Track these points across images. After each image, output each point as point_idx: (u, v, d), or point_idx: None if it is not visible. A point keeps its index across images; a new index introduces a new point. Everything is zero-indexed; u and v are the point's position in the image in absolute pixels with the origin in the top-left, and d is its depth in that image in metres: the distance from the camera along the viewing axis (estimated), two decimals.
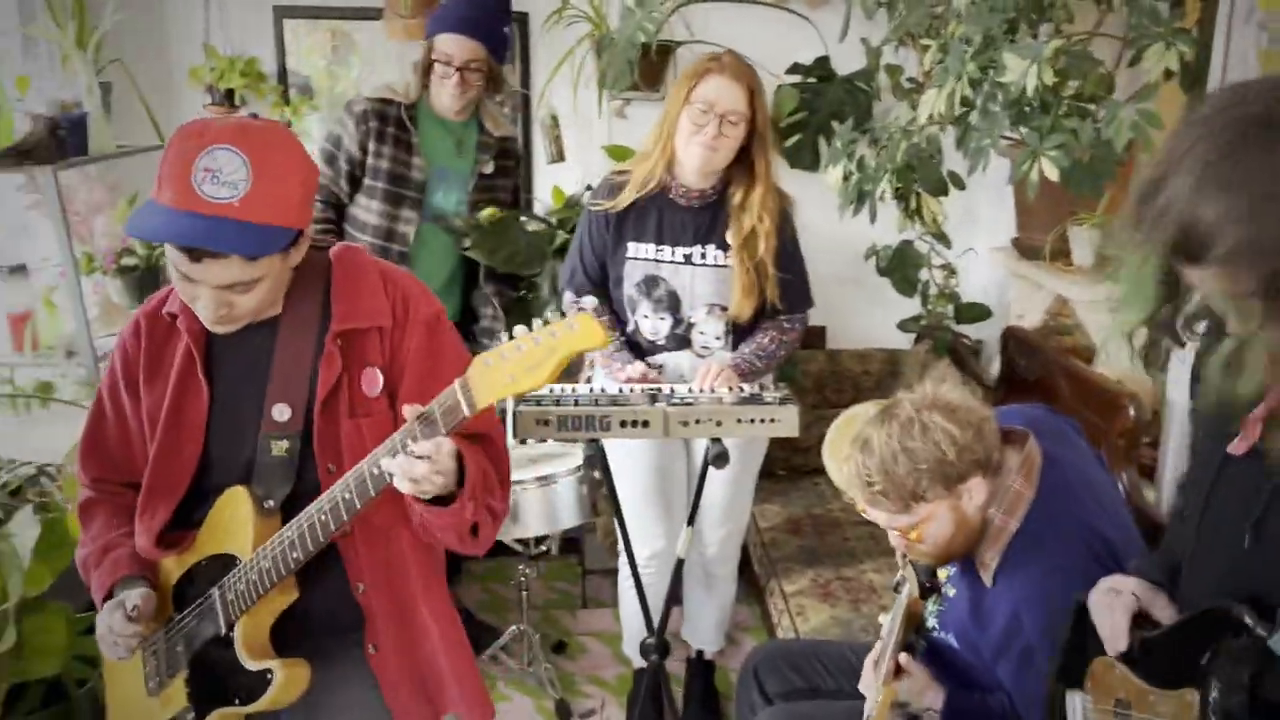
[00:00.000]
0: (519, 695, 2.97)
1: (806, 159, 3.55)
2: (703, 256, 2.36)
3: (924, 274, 3.40)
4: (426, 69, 2.73)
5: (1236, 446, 1.26)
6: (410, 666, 1.63)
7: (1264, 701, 1.17)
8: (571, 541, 3.46)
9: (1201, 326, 1.27)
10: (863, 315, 3.80)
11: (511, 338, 1.40)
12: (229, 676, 1.57)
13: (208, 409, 1.59)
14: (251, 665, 1.55)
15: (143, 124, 3.18)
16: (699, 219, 2.36)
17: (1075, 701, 1.43)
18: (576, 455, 3.01)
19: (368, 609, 1.60)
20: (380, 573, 1.61)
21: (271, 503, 1.56)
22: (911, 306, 3.52)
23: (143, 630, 1.59)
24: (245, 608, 1.55)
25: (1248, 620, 1.17)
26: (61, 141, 2.57)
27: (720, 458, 2.09)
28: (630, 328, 2.43)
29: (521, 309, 3.08)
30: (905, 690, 1.78)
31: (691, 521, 2.27)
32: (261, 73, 3.53)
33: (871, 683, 1.84)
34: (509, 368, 1.36)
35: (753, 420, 2.11)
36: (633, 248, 2.39)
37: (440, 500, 1.47)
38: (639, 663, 2.58)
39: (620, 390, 2.27)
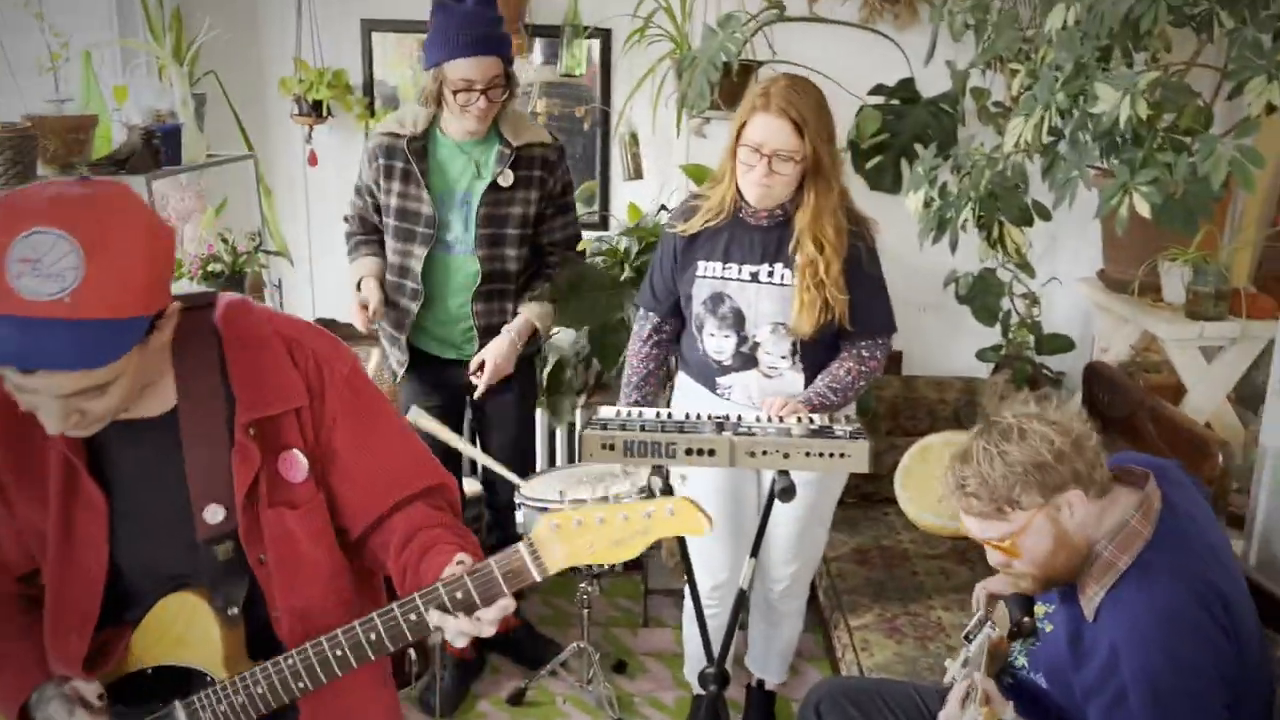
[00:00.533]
0: (577, 713, 2.97)
1: (887, 181, 3.50)
2: (770, 275, 2.33)
3: (1005, 303, 3.32)
4: (437, 98, 2.61)
5: None
6: None
7: None
8: (634, 559, 3.44)
9: None
10: (940, 342, 3.72)
11: (603, 496, 1.29)
12: None
13: (108, 521, 1.37)
14: None
15: (232, 134, 3.27)
16: (767, 238, 2.33)
17: None
18: (641, 474, 3.01)
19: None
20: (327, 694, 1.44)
21: (235, 610, 1.41)
22: (991, 335, 3.44)
23: None
24: None
25: None
26: (156, 151, 2.65)
27: (786, 491, 2.06)
28: (699, 350, 2.41)
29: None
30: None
31: (755, 553, 2.24)
32: (349, 84, 3.60)
33: (957, 714, 1.79)
34: (590, 537, 1.26)
35: (822, 454, 2.08)
36: (702, 266, 2.38)
37: None
38: (699, 690, 2.56)
39: (687, 416, 2.25)
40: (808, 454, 2.08)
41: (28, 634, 1.44)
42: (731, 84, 3.28)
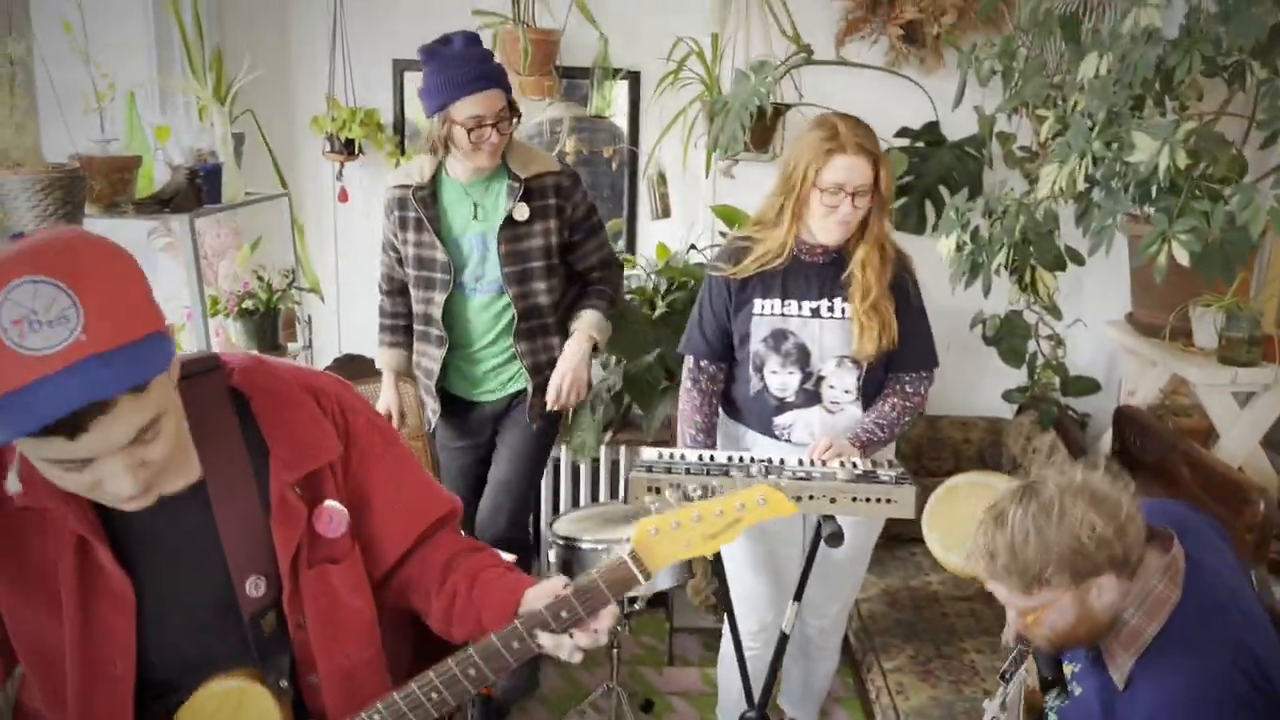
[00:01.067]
0: None
1: (912, 223, 3.53)
2: (830, 310, 2.35)
3: (1030, 344, 3.34)
4: (445, 143, 2.59)
5: None
6: None
7: None
8: (659, 595, 3.45)
9: None
10: (965, 382, 3.74)
11: (686, 497, 1.36)
12: None
13: (135, 612, 1.27)
14: None
15: (266, 171, 3.30)
16: (824, 274, 2.36)
17: None
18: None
19: None
20: None
21: (285, 682, 1.36)
22: (1016, 376, 3.46)
23: None
24: None
25: None
26: (199, 190, 2.67)
27: (835, 536, 2.06)
28: (756, 388, 2.42)
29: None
30: None
31: (799, 597, 2.25)
32: (380, 123, 3.63)
33: None
34: (685, 535, 1.32)
35: (868, 499, 2.09)
36: (759, 304, 2.39)
37: None
38: None
39: (730, 459, 2.26)
40: (854, 499, 2.09)
41: None
42: (760, 126, 3.33)
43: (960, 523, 3.22)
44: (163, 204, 2.61)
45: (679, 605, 3.44)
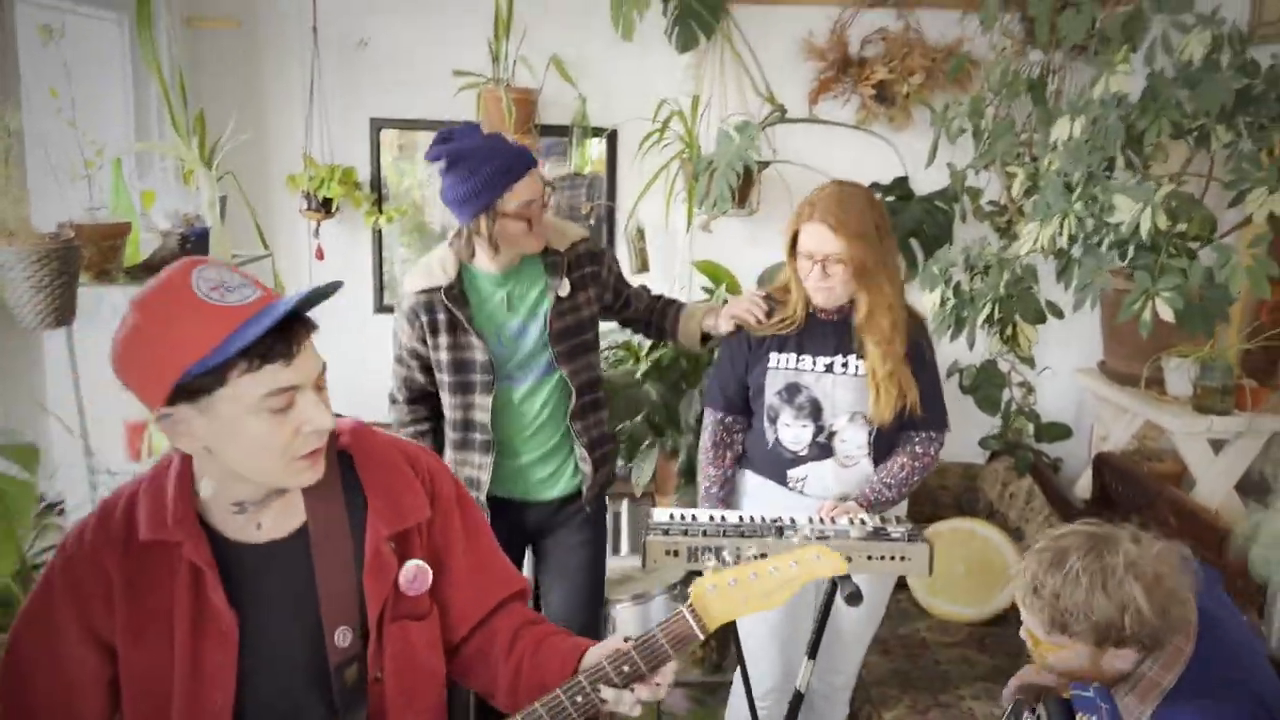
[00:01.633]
0: None
1: None
2: (844, 366, 2.39)
3: (1005, 392, 3.43)
4: (490, 240, 2.36)
5: None
6: None
7: None
8: None
9: None
10: None
11: (737, 559, 1.44)
12: None
13: (237, 648, 1.34)
14: None
15: (248, 232, 3.27)
16: (839, 330, 2.40)
17: None
18: (670, 571, 3.01)
19: None
20: None
21: None
22: (988, 422, 3.55)
23: None
24: None
25: None
26: (188, 255, 2.63)
27: (854, 596, 2.09)
28: (771, 440, 2.45)
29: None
30: None
31: (814, 655, 2.27)
32: (357, 181, 3.63)
33: None
34: (742, 593, 1.39)
35: (883, 557, 2.13)
36: (774, 358, 2.43)
37: None
38: None
39: (741, 519, 2.29)
40: (869, 557, 2.13)
41: None
42: (741, 183, 3.39)
43: (944, 568, 3.29)
44: (153, 270, 2.56)
45: None
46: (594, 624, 2.66)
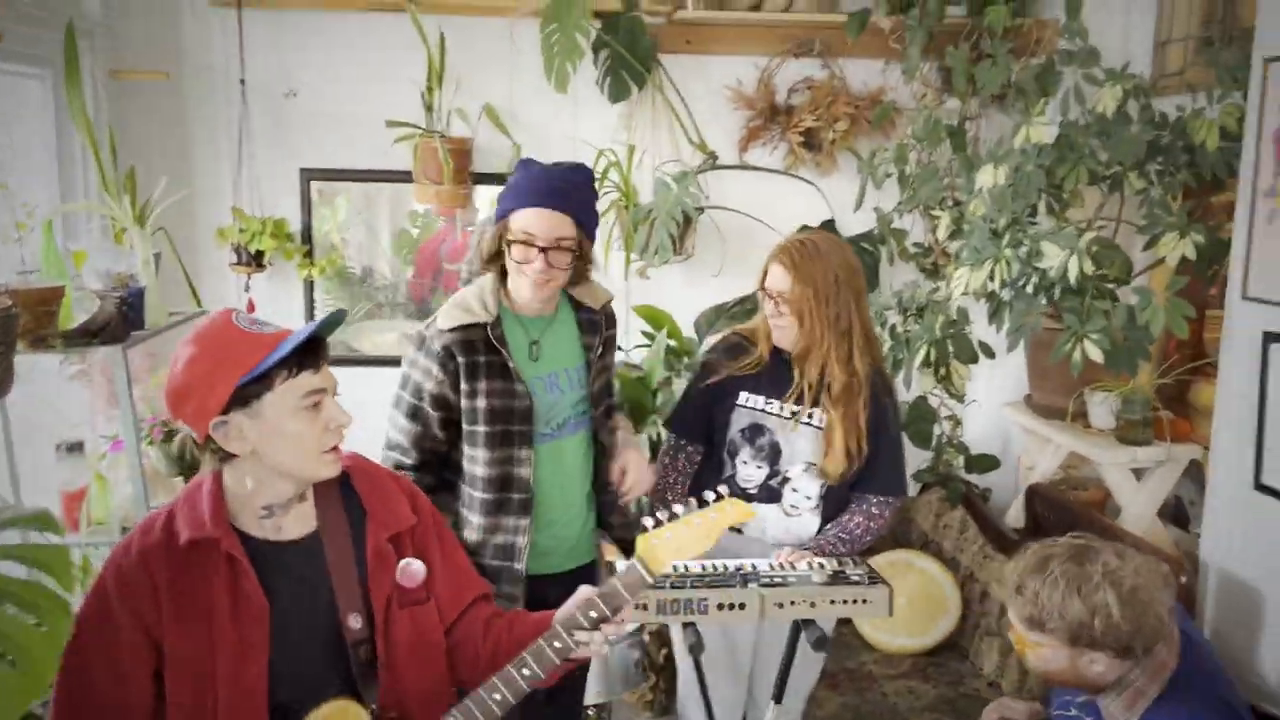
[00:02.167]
0: None
1: None
2: (810, 417, 2.43)
3: (935, 426, 3.56)
4: (495, 255, 2.20)
5: None
6: None
7: None
8: (600, 706, 3.44)
9: None
10: None
11: (672, 514, 1.66)
12: None
13: (269, 628, 1.59)
14: None
15: (180, 289, 3.20)
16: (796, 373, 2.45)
17: None
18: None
19: None
20: None
21: (375, 706, 1.64)
22: (921, 456, 3.66)
23: None
24: None
25: None
26: (126, 318, 2.57)
27: (821, 641, 2.14)
28: (726, 474, 2.48)
29: None
30: None
31: (779, 699, 2.31)
32: (289, 233, 3.58)
33: None
34: (676, 542, 1.66)
35: (846, 601, 2.17)
36: (743, 396, 2.45)
37: None
38: None
39: (703, 568, 2.31)
40: (832, 601, 2.18)
41: None
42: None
43: None
44: (92, 335, 2.49)
45: (617, 713, 3.43)
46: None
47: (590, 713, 2.92)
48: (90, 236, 3.01)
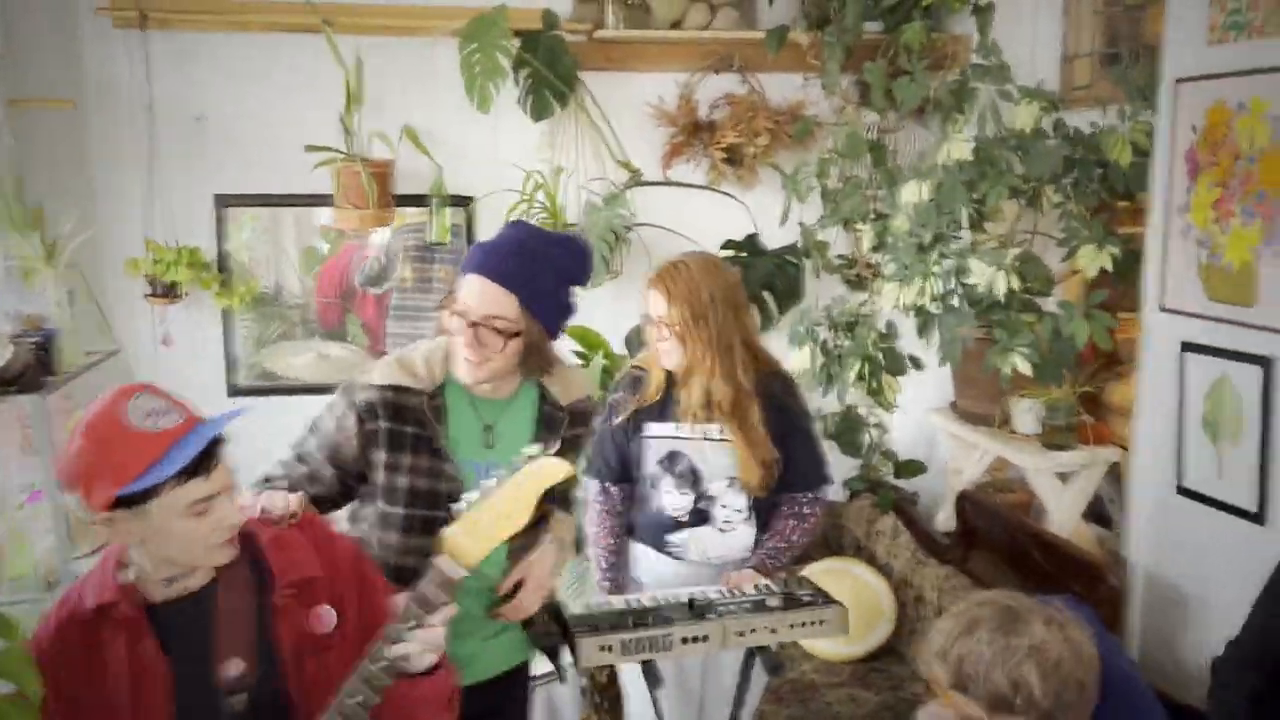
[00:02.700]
0: None
1: None
2: (719, 432, 2.45)
3: (865, 435, 3.63)
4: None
5: None
6: None
7: None
8: None
9: None
10: None
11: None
12: None
13: (171, 686, 1.58)
14: None
15: (96, 328, 3.06)
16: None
17: None
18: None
19: None
20: None
21: None
22: (851, 463, 3.73)
23: None
24: None
25: None
26: (42, 362, 2.46)
27: (778, 667, 2.17)
28: (655, 506, 2.49)
29: None
30: None
31: None
32: (205, 263, 3.46)
33: None
34: (487, 527, 1.54)
35: (804, 624, 2.21)
36: (650, 427, 2.48)
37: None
38: None
39: (657, 600, 2.31)
40: (791, 625, 2.21)
41: None
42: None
43: None
44: (7, 384, 2.38)
45: None
46: None
47: None
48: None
